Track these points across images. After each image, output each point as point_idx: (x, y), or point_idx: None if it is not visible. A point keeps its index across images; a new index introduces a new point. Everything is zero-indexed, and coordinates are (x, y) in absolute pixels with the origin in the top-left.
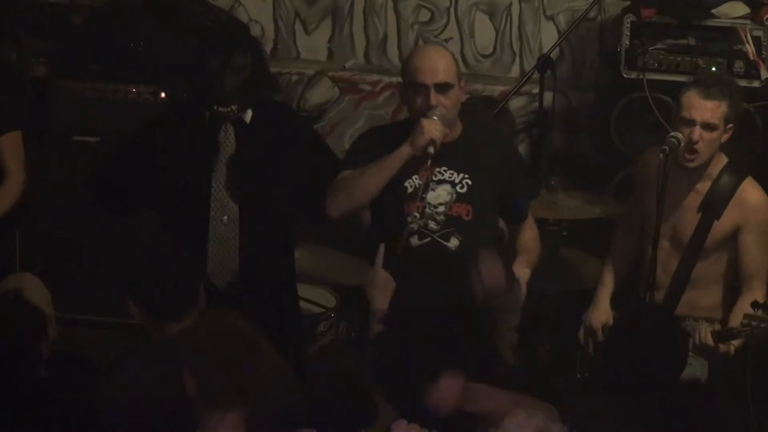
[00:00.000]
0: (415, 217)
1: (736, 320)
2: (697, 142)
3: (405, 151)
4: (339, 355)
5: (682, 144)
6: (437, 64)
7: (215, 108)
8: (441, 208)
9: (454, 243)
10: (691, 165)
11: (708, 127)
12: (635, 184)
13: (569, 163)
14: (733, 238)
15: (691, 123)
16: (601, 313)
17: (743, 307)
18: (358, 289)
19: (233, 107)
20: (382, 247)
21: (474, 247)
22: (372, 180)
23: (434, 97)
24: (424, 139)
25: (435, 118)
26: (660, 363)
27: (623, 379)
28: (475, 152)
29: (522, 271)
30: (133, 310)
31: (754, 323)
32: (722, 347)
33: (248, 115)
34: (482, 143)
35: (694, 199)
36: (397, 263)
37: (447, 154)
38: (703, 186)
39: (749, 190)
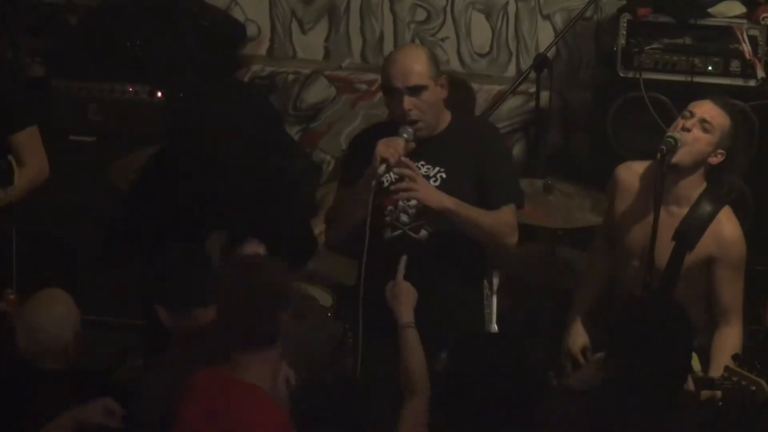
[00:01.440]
0: (391, 210)
1: (716, 355)
2: (688, 131)
3: (368, 175)
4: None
5: (679, 143)
6: (408, 67)
7: None
8: (413, 202)
9: (423, 235)
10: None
11: (704, 123)
12: (608, 202)
13: (565, 163)
14: (706, 266)
15: (690, 115)
16: (578, 337)
17: (721, 342)
18: (354, 289)
19: None
20: (403, 260)
21: (444, 238)
22: (352, 210)
23: (407, 101)
24: (375, 162)
25: (405, 136)
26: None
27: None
28: (455, 146)
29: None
30: (161, 314)
31: (734, 379)
32: (705, 393)
33: None
34: (466, 136)
35: (667, 222)
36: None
37: (426, 149)
38: (679, 210)
39: (725, 222)
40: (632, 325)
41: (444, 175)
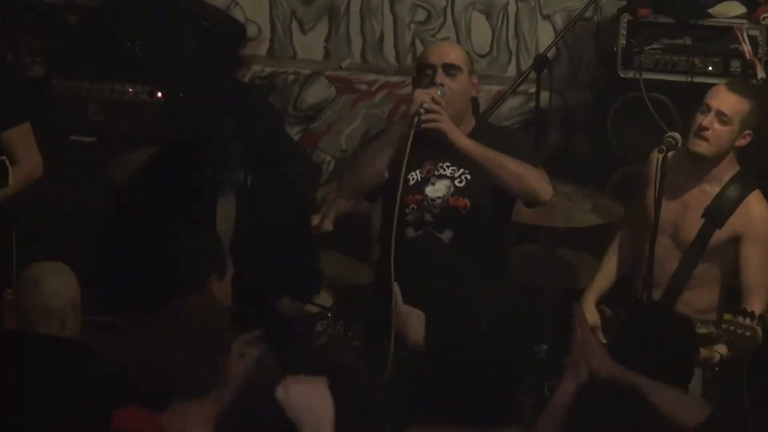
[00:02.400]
0: (413, 209)
1: None
2: (707, 129)
3: (400, 122)
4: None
5: (679, 143)
6: (447, 48)
7: None
8: (438, 201)
9: (447, 235)
10: (697, 150)
11: (721, 116)
12: (641, 183)
13: (566, 163)
14: (733, 244)
15: (707, 109)
16: (589, 315)
17: None
18: (354, 289)
19: None
20: (396, 287)
21: (469, 240)
22: (373, 154)
23: (440, 76)
24: (413, 107)
25: (439, 92)
26: (671, 363)
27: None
28: None
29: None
30: None
31: (731, 328)
32: (704, 352)
33: None
34: (490, 141)
35: (699, 200)
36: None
37: (451, 151)
38: (711, 189)
39: (755, 203)
40: (637, 334)
41: (469, 176)
